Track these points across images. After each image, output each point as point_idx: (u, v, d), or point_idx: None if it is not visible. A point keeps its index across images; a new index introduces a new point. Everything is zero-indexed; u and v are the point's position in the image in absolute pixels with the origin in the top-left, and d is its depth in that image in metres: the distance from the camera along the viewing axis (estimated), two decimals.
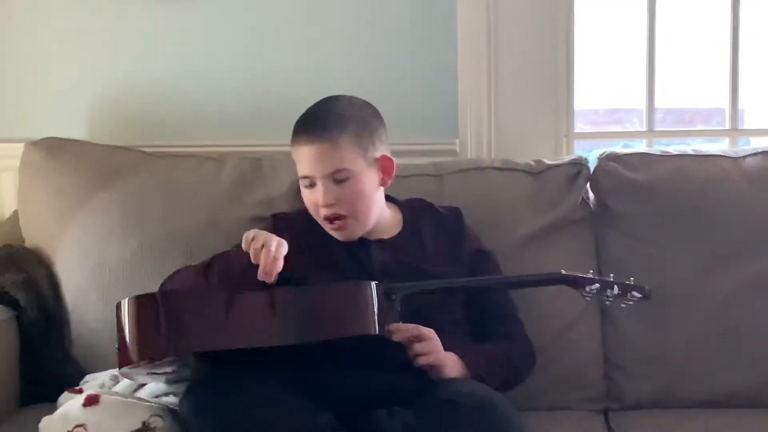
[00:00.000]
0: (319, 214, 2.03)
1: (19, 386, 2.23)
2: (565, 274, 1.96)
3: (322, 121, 2.00)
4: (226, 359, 1.85)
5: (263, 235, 1.89)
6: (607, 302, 1.98)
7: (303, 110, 2.05)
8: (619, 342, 2.24)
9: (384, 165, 2.06)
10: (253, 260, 1.86)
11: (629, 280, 1.94)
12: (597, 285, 1.94)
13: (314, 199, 2.02)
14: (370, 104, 2.08)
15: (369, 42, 2.62)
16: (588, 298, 1.97)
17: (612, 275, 1.95)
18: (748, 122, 2.93)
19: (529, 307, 2.14)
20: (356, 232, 2.05)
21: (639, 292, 1.94)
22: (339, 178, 1.99)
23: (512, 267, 2.15)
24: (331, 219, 2.02)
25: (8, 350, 2.20)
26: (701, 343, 2.20)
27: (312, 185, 2.02)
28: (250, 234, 1.90)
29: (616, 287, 1.93)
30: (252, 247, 1.86)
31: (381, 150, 2.05)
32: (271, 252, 1.85)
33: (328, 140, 1.98)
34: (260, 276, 1.85)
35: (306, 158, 2.01)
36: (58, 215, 2.34)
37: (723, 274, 2.21)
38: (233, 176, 2.36)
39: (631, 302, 1.94)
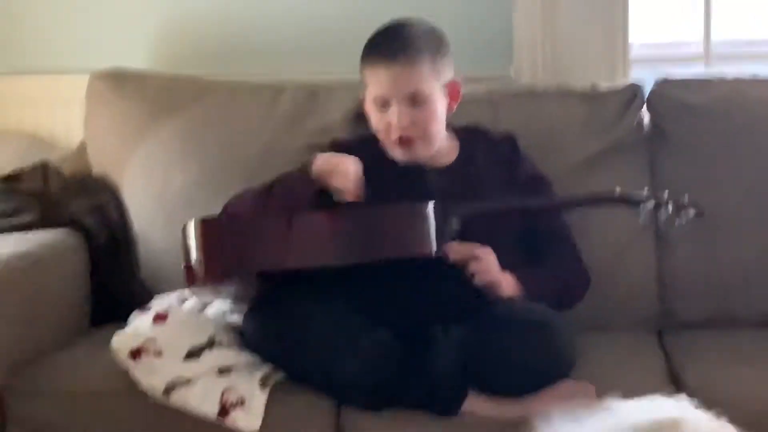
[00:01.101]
0: (391, 135, 2.04)
1: (90, 308, 2.31)
2: (619, 192, 1.98)
3: (400, 43, 2.00)
4: (287, 278, 1.91)
5: (334, 159, 1.93)
6: (661, 221, 1.99)
7: (359, 40, 2.06)
8: (673, 263, 2.25)
9: (452, 90, 2.07)
10: (333, 186, 1.91)
11: (684, 198, 1.95)
12: (652, 202, 1.95)
13: (387, 121, 2.03)
14: (437, 28, 2.08)
15: None
16: (642, 217, 1.98)
17: (666, 193, 1.96)
18: None
19: (583, 230, 2.15)
20: (423, 154, 2.06)
21: (694, 209, 1.95)
22: (416, 100, 2.00)
23: (566, 191, 2.16)
24: (401, 140, 2.04)
25: (79, 273, 2.28)
26: (755, 264, 2.21)
27: (385, 107, 2.03)
28: (319, 160, 1.94)
29: (670, 205, 1.95)
30: (327, 175, 1.92)
31: (450, 74, 2.07)
32: (350, 174, 1.91)
33: (408, 62, 1.99)
34: (348, 199, 1.92)
35: (383, 79, 2.01)
36: (123, 144, 2.41)
37: None
38: (290, 105, 2.40)
39: (685, 220, 1.96)
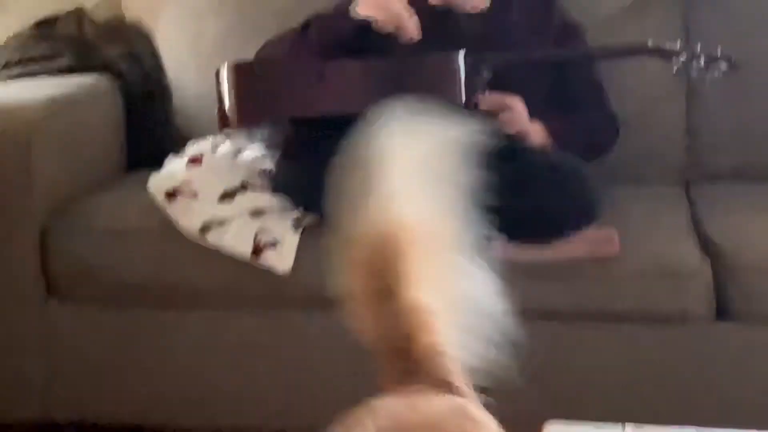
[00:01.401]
0: None
1: (126, 153, 2.35)
2: (652, 45, 1.97)
3: None
4: (319, 123, 1.94)
5: (384, 5, 1.90)
6: (693, 74, 1.99)
7: None
8: (704, 115, 2.26)
9: None
10: (383, 26, 1.89)
11: (717, 50, 1.94)
12: (684, 55, 1.95)
13: None
14: None
15: None
16: (675, 69, 1.98)
17: (699, 45, 1.95)
18: None
19: (615, 80, 2.16)
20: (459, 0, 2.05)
21: (726, 62, 1.95)
22: None
23: (599, 40, 2.16)
24: None
25: (115, 117, 2.32)
26: None
27: None
28: (364, 5, 1.91)
29: (703, 58, 1.94)
30: (385, 23, 1.90)
31: None
32: (402, 15, 1.89)
33: None
34: (406, 40, 1.90)
35: None
36: None
37: None
38: None
39: (717, 74, 1.95)
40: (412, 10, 1.92)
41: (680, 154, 2.27)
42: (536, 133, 1.97)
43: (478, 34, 2.03)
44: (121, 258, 1.98)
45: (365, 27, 1.92)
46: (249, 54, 2.07)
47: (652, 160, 2.25)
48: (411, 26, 1.91)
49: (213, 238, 1.92)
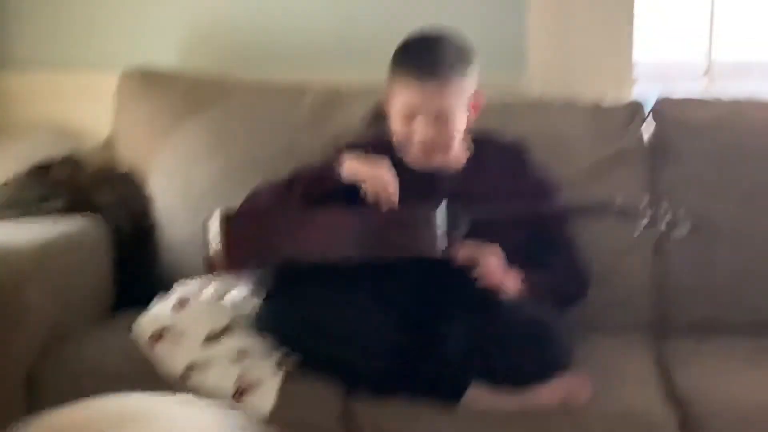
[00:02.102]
0: (412, 143, 2.10)
1: (115, 293, 2.40)
2: (619, 204, 2.07)
3: (434, 60, 2.04)
4: (303, 268, 2.01)
5: (369, 166, 2.00)
6: (657, 233, 2.08)
7: (381, 44, 2.12)
8: (670, 270, 2.34)
9: (475, 102, 2.13)
10: (369, 197, 1.99)
11: (680, 212, 2.04)
12: (648, 215, 2.04)
13: (410, 130, 2.09)
14: (466, 41, 2.12)
15: None
16: (639, 230, 2.06)
17: (664, 205, 2.05)
18: None
19: (584, 234, 2.24)
20: (438, 161, 2.14)
21: (689, 224, 2.04)
22: (442, 116, 2.07)
23: (570, 198, 2.24)
24: (421, 149, 2.10)
25: (104, 260, 2.37)
26: (749, 272, 2.31)
27: (411, 118, 2.08)
28: (351, 164, 2.01)
29: (667, 218, 2.04)
30: (361, 180, 1.99)
31: (474, 87, 2.12)
32: (388, 184, 1.99)
33: (440, 83, 2.04)
34: (383, 207, 1.98)
35: (414, 95, 2.05)
36: (150, 139, 2.52)
37: None
38: (312, 106, 2.49)
39: (681, 233, 2.05)
40: (395, 178, 2.01)
41: (647, 306, 2.35)
42: (511, 283, 2.03)
43: (456, 191, 2.10)
44: None
45: (350, 187, 2.01)
46: (237, 200, 2.15)
47: (619, 312, 2.33)
48: (393, 196, 1.99)
49: (195, 380, 1.96)
